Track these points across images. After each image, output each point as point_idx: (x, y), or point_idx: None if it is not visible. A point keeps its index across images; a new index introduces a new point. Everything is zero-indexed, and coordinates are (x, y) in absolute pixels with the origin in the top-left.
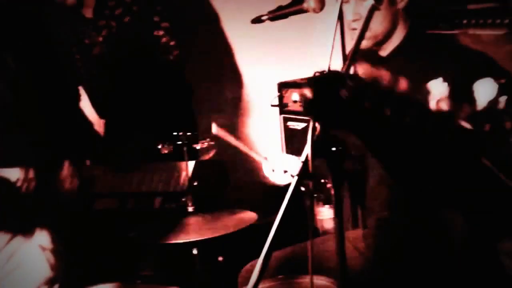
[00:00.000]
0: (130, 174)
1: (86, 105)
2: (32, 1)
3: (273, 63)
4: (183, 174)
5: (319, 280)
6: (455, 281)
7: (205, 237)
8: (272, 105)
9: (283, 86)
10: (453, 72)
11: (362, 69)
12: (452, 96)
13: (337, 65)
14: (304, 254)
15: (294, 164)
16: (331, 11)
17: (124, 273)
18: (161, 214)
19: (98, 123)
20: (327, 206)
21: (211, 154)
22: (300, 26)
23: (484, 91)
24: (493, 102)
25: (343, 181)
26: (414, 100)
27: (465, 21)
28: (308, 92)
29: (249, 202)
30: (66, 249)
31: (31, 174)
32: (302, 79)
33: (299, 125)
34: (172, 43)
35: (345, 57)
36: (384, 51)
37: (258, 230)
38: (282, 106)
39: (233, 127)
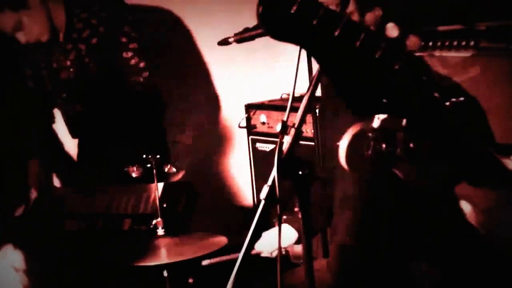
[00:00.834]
0: (99, 195)
1: (61, 126)
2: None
3: (240, 84)
4: (153, 196)
5: None
6: None
7: (176, 260)
8: (240, 127)
9: (251, 108)
10: None
11: None
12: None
13: (303, 87)
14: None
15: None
16: None
17: None
18: (131, 236)
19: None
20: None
21: (180, 175)
22: (267, 48)
23: None
24: None
25: (310, 205)
26: (364, 24)
27: (431, 43)
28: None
29: (219, 224)
30: (40, 270)
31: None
32: (269, 101)
33: (268, 147)
34: (141, 64)
35: (311, 79)
36: None
37: (228, 252)
38: (250, 128)
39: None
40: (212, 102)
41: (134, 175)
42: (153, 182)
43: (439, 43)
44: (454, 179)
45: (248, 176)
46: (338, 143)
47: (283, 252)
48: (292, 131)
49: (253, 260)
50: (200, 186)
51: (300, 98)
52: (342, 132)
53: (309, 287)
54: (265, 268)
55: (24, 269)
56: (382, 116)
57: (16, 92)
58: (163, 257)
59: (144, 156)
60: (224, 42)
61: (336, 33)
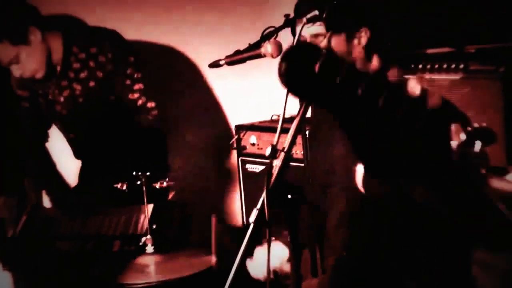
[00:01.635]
0: (90, 216)
1: (55, 145)
2: None
3: (231, 105)
4: (142, 216)
5: None
6: None
7: (164, 279)
8: (232, 148)
9: (241, 129)
10: None
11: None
12: None
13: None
14: None
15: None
16: None
17: None
18: (120, 257)
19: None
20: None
21: (171, 195)
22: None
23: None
24: (465, 145)
25: (299, 228)
26: (388, 82)
27: (420, 66)
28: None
29: (209, 245)
30: None
31: None
32: (260, 122)
33: (258, 168)
34: (149, 104)
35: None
36: None
37: (217, 273)
38: (240, 149)
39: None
40: (203, 122)
41: (124, 188)
42: (143, 203)
43: (429, 66)
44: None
45: (238, 197)
46: (354, 167)
47: (272, 276)
48: (282, 155)
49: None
50: (190, 206)
51: (291, 119)
52: (332, 154)
53: None
54: None
55: None
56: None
57: (8, 110)
58: (151, 276)
59: (134, 173)
60: (215, 65)
61: (359, 92)
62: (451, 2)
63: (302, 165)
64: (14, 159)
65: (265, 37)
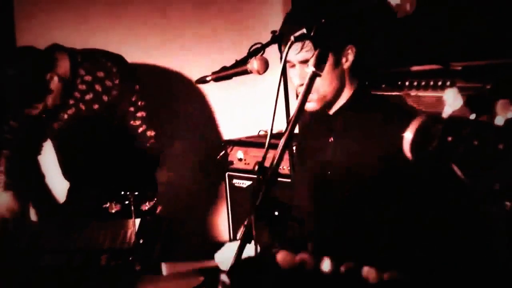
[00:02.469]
0: (77, 230)
1: (48, 158)
2: None
3: (218, 120)
4: (130, 231)
5: None
6: None
7: None
8: (217, 163)
9: (228, 144)
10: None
11: (281, 257)
12: None
13: (282, 124)
14: None
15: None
16: (276, 72)
17: None
18: (107, 272)
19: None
20: None
21: (158, 210)
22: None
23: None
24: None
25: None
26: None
27: (407, 83)
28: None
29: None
30: None
31: None
32: (247, 137)
33: (245, 183)
34: (149, 133)
35: (288, 116)
36: (331, 110)
37: None
38: (227, 164)
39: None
40: (190, 137)
41: (112, 211)
42: (130, 217)
43: (415, 83)
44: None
45: (224, 212)
46: (402, 134)
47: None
48: (269, 172)
49: None
50: (176, 222)
51: (278, 135)
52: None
53: None
54: None
55: None
56: (453, 108)
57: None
58: None
59: (123, 192)
60: (202, 81)
61: None
62: (438, 20)
63: (289, 180)
64: None
65: (251, 53)
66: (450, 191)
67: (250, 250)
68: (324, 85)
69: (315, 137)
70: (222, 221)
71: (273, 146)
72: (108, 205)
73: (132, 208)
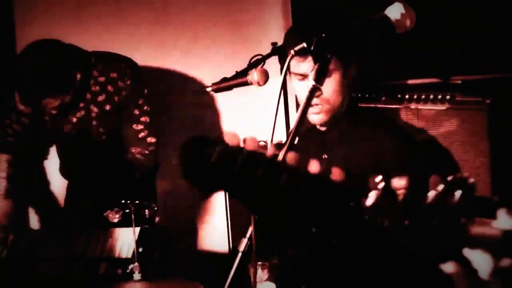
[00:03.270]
0: (76, 238)
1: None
2: None
3: (218, 130)
4: (129, 240)
5: None
6: None
7: None
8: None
9: None
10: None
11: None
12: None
13: (282, 136)
14: None
15: None
16: (276, 84)
17: None
18: (106, 281)
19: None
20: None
21: (157, 219)
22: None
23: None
24: (445, 194)
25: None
26: (287, 165)
27: (407, 96)
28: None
29: (196, 271)
30: None
31: None
32: None
33: None
34: (149, 139)
35: (288, 128)
36: (325, 126)
37: None
38: None
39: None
40: None
41: (114, 220)
42: (130, 226)
43: (415, 96)
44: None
45: (224, 222)
46: None
47: None
48: None
49: None
50: (176, 231)
51: (278, 145)
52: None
53: None
54: None
55: None
56: (374, 193)
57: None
58: None
59: (123, 201)
60: (202, 92)
61: (258, 176)
62: (439, 33)
63: None
64: None
65: (252, 65)
66: None
67: None
68: (334, 96)
69: (308, 154)
70: (221, 230)
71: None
72: (108, 213)
73: (132, 216)
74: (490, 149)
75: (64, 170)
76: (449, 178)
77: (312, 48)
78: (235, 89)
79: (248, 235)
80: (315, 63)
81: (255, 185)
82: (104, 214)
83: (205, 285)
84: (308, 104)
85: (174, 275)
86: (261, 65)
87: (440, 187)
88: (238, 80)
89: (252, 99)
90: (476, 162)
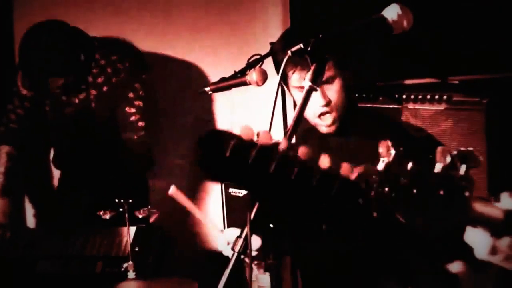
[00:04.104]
0: (73, 237)
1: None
2: None
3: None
4: (125, 239)
5: None
6: None
7: None
8: None
9: None
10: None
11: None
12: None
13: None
14: None
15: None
16: (274, 83)
17: None
18: (102, 279)
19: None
20: (267, 273)
21: (153, 218)
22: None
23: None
24: (450, 168)
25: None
26: (298, 159)
27: (404, 96)
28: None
29: (192, 270)
30: None
31: None
32: None
33: (241, 192)
34: (140, 124)
35: (286, 127)
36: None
37: None
38: None
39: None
40: (186, 146)
41: (106, 217)
42: (125, 225)
43: (413, 96)
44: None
45: (220, 221)
46: None
47: None
48: None
49: None
50: (172, 230)
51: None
52: None
53: None
54: None
55: None
56: (387, 159)
57: None
58: None
59: (117, 200)
60: (200, 92)
61: (271, 169)
62: (436, 34)
63: None
64: None
65: (250, 65)
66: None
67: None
68: (340, 102)
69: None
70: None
71: None
72: (102, 212)
73: (126, 216)
74: (487, 149)
75: (58, 160)
76: (454, 152)
77: (309, 49)
78: (233, 89)
79: (243, 235)
80: (311, 64)
81: (268, 178)
82: (98, 212)
83: (200, 284)
84: (305, 103)
85: (170, 273)
86: (259, 65)
87: (448, 158)
88: (236, 80)
89: (250, 99)
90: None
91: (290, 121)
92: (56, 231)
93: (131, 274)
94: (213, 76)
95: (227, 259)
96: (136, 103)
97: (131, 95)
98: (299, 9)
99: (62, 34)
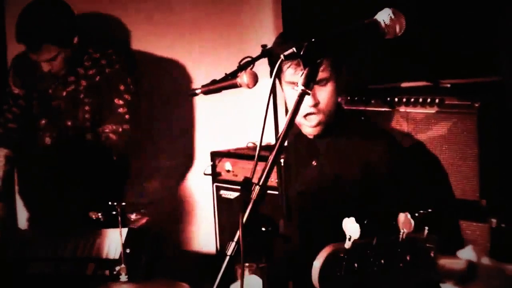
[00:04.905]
0: (64, 239)
1: None
2: None
3: (206, 131)
4: (116, 241)
5: None
6: None
7: None
8: (205, 174)
9: (216, 155)
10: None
11: None
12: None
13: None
14: None
15: None
16: (265, 85)
17: None
18: (94, 281)
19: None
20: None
21: (144, 221)
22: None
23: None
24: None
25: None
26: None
27: (396, 99)
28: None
29: (183, 272)
30: None
31: None
32: (235, 149)
33: (232, 195)
34: (127, 116)
35: (277, 130)
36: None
37: None
38: (215, 175)
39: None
40: (178, 148)
41: (96, 217)
42: (117, 227)
43: (404, 99)
44: None
45: (211, 223)
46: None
47: None
48: (257, 188)
49: None
50: (164, 232)
51: (267, 147)
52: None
53: None
54: None
55: None
56: (354, 237)
57: None
58: None
59: (110, 202)
60: (191, 94)
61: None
62: (428, 37)
63: (277, 193)
64: None
65: (241, 67)
66: None
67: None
68: (329, 105)
69: (297, 160)
70: (208, 232)
71: (262, 159)
72: (93, 214)
73: (119, 218)
74: (479, 153)
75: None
76: (417, 215)
77: (302, 53)
78: (224, 91)
79: (236, 238)
80: (304, 67)
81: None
82: (90, 214)
83: (192, 286)
84: (297, 108)
85: (162, 276)
86: (250, 67)
87: (412, 224)
88: (227, 82)
89: (241, 101)
90: (464, 166)
91: (282, 124)
92: (48, 232)
93: (123, 277)
94: (213, 76)
95: (219, 261)
96: (126, 96)
97: (122, 87)
98: (291, 12)
99: (60, 6)
